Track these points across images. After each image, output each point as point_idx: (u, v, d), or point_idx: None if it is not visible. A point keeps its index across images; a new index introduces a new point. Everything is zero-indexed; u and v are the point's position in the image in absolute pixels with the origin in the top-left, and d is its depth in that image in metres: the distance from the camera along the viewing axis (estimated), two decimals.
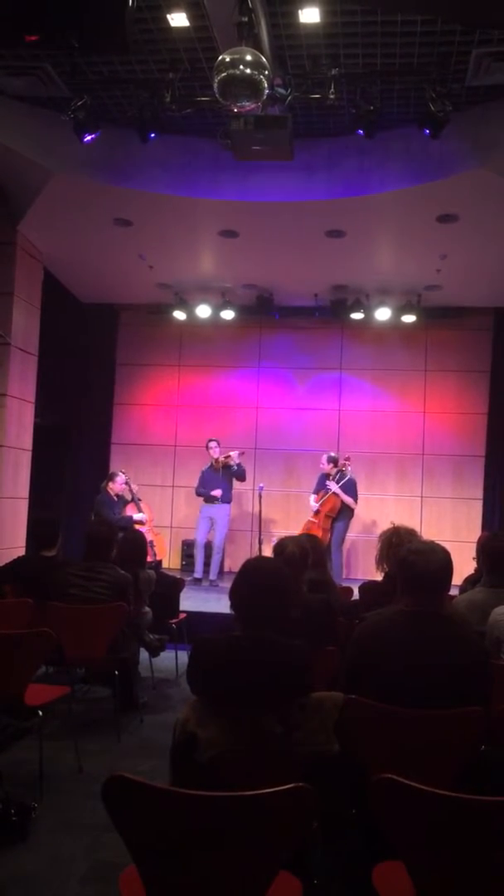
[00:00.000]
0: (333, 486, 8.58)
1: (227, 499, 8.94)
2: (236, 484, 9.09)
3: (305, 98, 5.70)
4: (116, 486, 8.41)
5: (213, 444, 8.96)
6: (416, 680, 2.38)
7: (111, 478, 8.49)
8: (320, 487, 8.77)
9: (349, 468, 8.80)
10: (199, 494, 8.99)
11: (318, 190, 6.90)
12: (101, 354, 10.42)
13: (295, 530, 8.65)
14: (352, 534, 9.61)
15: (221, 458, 8.85)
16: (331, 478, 8.69)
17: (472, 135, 6.26)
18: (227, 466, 8.86)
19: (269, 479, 9.81)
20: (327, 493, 8.59)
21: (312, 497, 8.80)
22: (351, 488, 8.67)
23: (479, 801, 1.65)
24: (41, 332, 8.25)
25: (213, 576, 8.85)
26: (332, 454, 8.91)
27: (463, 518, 9.77)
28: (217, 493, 8.77)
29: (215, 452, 8.90)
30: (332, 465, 8.75)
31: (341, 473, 8.71)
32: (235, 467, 8.88)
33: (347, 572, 9.53)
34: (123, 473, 8.62)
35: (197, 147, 6.92)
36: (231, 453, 8.89)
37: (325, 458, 8.82)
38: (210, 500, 8.86)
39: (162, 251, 8.31)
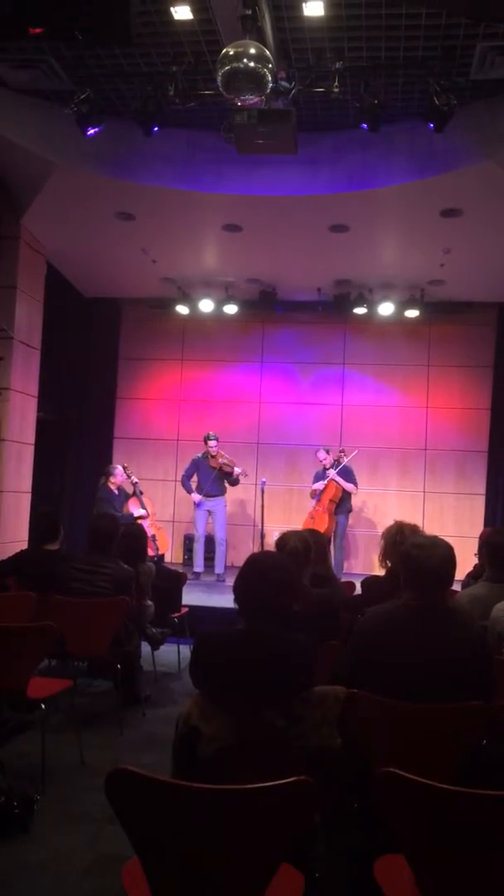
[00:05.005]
0: (332, 473, 8.72)
1: (221, 492, 8.85)
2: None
3: (309, 92, 5.68)
4: (117, 479, 8.39)
5: (212, 442, 8.72)
6: (418, 673, 2.38)
7: (109, 473, 8.47)
8: (318, 479, 8.88)
9: (345, 458, 8.91)
10: (184, 485, 8.81)
11: (322, 184, 6.88)
12: (104, 348, 10.42)
13: (297, 525, 8.65)
14: (353, 529, 9.63)
15: (220, 460, 8.72)
16: (327, 468, 8.84)
17: (477, 129, 6.23)
18: (225, 473, 8.79)
19: (272, 473, 9.80)
20: (326, 480, 8.71)
21: (313, 488, 8.86)
22: (349, 475, 8.83)
23: (481, 794, 1.65)
24: (44, 326, 8.24)
25: (219, 569, 8.80)
26: (326, 447, 9.12)
27: (465, 513, 9.77)
28: (196, 497, 8.69)
29: (214, 450, 8.74)
30: (328, 455, 8.93)
31: (337, 463, 8.84)
32: (234, 478, 8.82)
33: (348, 566, 9.55)
34: (124, 468, 8.60)
35: (200, 141, 6.89)
36: (236, 468, 8.77)
37: (321, 451, 8.98)
38: (201, 491, 8.74)
39: (165, 245, 8.29)
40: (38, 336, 8.14)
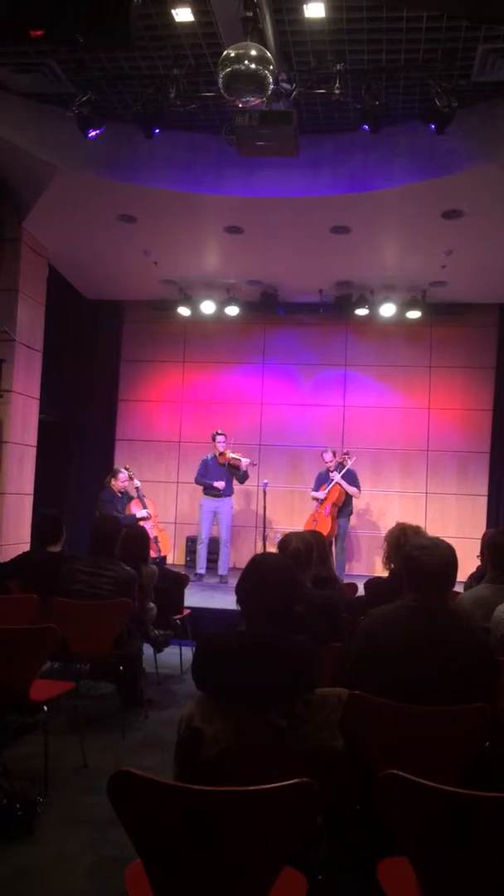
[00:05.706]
0: (336, 476, 8.71)
1: (229, 492, 8.88)
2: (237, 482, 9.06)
3: (310, 93, 5.68)
4: (119, 483, 8.40)
5: (220, 437, 8.82)
6: (420, 675, 2.38)
7: (113, 475, 8.48)
8: (321, 482, 8.86)
9: (349, 462, 8.90)
10: (199, 483, 8.84)
11: (323, 186, 6.88)
12: (106, 351, 10.43)
13: (299, 526, 8.66)
14: (355, 530, 9.63)
15: (229, 455, 8.79)
16: (331, 470, 8.83)
17: (478, 130, 6.23)
18: (234, 466, 8.81)
19: (274, 475, 9.80)
20: (331, 483, 8.70)
21: (314, 492, 8.87)
22: (352, 478, 8.83)
23: (484, 796, 1.65)
24: (46, 328, 8.25)
25: (223, 570, 8.81)
26: (333, 449, 9.12)
27: (468, 514, 9.76)
28: (220, 484, 8.68)
29: (221, 446, 8.81)
30: (334, 457, 8.94)
31: (340, 465, 8.84)
32: (242, 472, 8.82)
33: (350, 568, 9.55)
34: (126, 470, 8.61)
35: (201, 143, 6.90)
36: (243, 459, 8.79)
37: (327, 453, 8.97)
38: (211, 491, 8.75)
39: (166, 247, 8.30)
40: (39, 338, 8.15)
